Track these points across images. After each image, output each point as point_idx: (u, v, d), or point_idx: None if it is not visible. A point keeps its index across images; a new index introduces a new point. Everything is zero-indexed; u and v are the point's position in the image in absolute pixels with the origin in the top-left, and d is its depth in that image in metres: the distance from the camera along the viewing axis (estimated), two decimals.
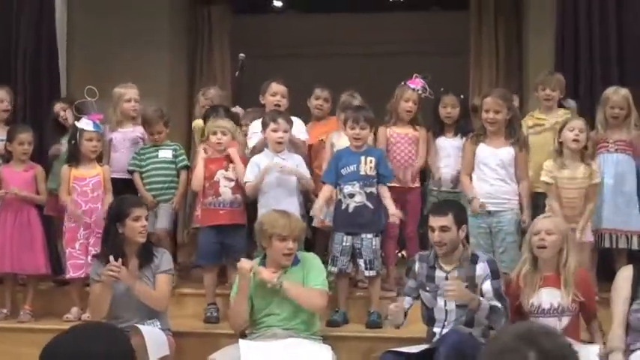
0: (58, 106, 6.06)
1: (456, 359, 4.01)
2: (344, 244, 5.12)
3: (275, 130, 5.22)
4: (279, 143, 5.23)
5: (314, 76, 6.42)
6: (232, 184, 5.29)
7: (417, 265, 4.51)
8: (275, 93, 5.72)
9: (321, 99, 6.03)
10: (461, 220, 4.42)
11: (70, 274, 5.37)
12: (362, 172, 5.14)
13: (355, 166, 5.15)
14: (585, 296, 4.33)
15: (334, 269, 5.08)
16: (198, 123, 6.13)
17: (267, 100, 5.73)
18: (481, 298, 4.23)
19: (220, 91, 6.57)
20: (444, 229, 4.33)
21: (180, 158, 5.81)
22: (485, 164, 5.17)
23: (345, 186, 5.16)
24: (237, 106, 6.34)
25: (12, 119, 6.02)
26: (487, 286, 4.29)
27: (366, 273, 5.15)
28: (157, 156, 5.77)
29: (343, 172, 5.16)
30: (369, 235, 5.11)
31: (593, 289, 4.51)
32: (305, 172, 5.35)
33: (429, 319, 4.46)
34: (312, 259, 4.70)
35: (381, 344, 4.64)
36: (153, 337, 4.37)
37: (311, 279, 4.54)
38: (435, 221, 4.38)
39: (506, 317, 4.23)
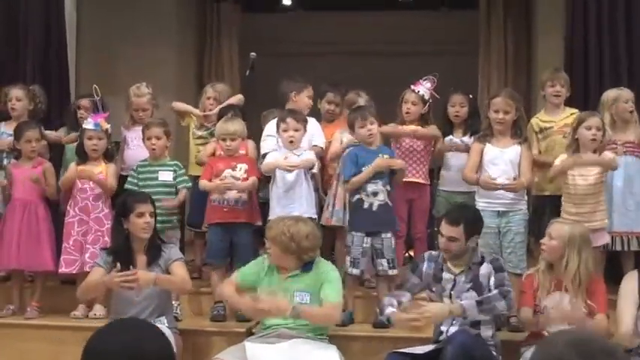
0: (84, 102, 5.97)
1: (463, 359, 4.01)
2: (364, 245, 5.07)
3: (285, 130, 5.23)
4: (291, 142, 5.23)
5: (322, 75, 6.41)
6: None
7: (425, 265, 4.51)
8: (311, 96, 5.72)
9: (333, 104, 6.00)
10: (472, 231, 4.40)
11: (63, 268, 5.34)
12: (384, 170, 5.12)
13: None
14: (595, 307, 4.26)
15: (356, 272, 5.05)
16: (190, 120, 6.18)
17: (302, 101, 5.66)
18: (462, 303, 4.22)
19: (228, 88, 6.54)
20: (451, 239, 4.34)
21: (181, 179, 5.44)
22: (493, 164, 5.14)
23: (369, 184, 5.10)
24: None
25: (28, 117, 5.91)
26: (492, 280, 4.31)
27: (390, 272, 5.08)
28: (156, 178, 5.40)
29: (364, 170, 5.10)
30: (389, 235, 5.09)
31: (605, 302, 4.34)
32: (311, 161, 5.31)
33: None
34: (329, 270, 4.54)
35: (388, 344, 4.63)
36: None
37: (325, 291, 4.41)
38: (446, 230, 4.36)
39: (506, 302, 4.20)
